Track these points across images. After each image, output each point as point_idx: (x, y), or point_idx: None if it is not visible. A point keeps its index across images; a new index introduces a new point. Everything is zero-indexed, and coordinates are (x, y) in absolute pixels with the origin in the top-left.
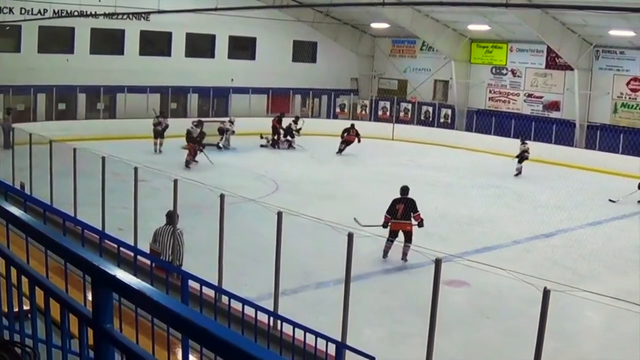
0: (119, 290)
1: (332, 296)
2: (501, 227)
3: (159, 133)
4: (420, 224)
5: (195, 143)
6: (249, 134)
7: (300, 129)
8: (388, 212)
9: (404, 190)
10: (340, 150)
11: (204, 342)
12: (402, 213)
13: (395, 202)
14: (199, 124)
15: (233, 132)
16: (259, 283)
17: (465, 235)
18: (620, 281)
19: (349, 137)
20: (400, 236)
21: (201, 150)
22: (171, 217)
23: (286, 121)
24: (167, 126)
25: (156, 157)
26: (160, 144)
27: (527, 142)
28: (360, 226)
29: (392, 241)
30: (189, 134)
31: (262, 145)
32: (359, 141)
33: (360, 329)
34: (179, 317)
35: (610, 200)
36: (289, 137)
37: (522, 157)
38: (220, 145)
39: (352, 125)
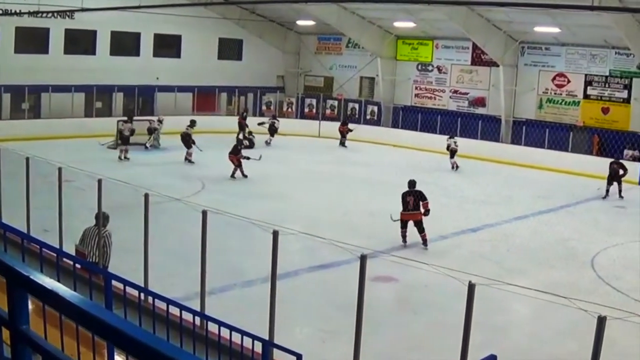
0: (34, 292)
1: (260, 294)
2: (428, 223)
3: (126, 139)
4: (427, 213)
5: (237, 154)
6: (178, 132)
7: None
8: (402, 205)
9: (412, 183)
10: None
11: (118, 342)
12: (413, 205)
13: (405, 195)
14: (192, 124)
15: (156, 129)
16: (186, 282)
17: (393, 231)
18: (547, 274)
19: (340, 126)
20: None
21: (247, 158)
22: (99, 219)
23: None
24: (133, 131)
25: (84, 156)
26: (126, 151)
27: (455, 137)
28: (392, 220)
29: (406, 229)
30: (186, 136)
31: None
32: (345, 133)
33: (288, 327)
34: (93, 317)
35: (598, 189)
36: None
37: (452, 151)
38: (148, 145)
39: (346, 121)
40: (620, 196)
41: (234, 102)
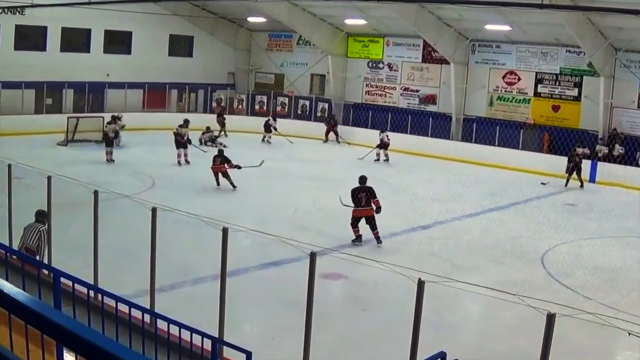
0: None
1: (210, 292)
2: (379, 220)
3: (111, 141)
4: (378, 210)
5: (223, 164)
6: (131, 129)
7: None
8: (353, 201)
9: (362, 179)
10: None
11: (65, 340)
12: (366, 201)
13: (357, 191)
14: (185, 123)
15: (123, 126)
16: (136, 280)
17: (343, 228)
18: (498, 271)
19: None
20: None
21: (238, 167)
22: (39, 215)
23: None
24: (118, 132)
25: (34, 153)
26: (111, 153)
27: (387, 132)
28: (342, 204)
29: (358, 228)
30: (177, 136)
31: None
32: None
33: (239, 324)
34: (40, 316)
35: (542, 184)
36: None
37: (384, 144)
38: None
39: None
40: (582, 186)
41: (184, 99)
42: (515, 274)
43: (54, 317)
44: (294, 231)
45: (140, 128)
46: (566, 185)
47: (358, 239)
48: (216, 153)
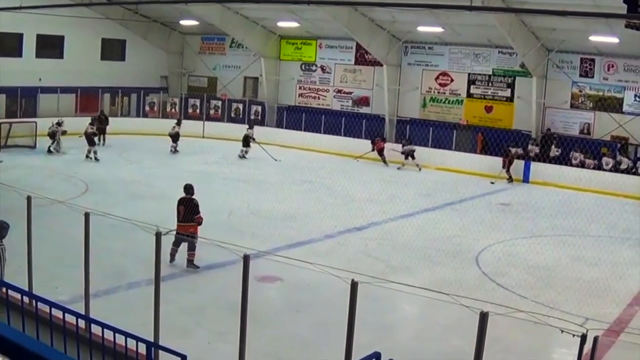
0: None
1: (145, 296)
2: (314, 222)
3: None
4: (199, 223)
5: None
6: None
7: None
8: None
9: (187, 188)
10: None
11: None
12: (184, 215)
13: (178, 203)
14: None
15: (65, 132)
16: (71, 285)
17: (278, 230)
18: (433, 271)
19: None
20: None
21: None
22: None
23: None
24: (96, 133)
25: None
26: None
27: (252, 129)
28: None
29: (177, 246)
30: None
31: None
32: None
33: (174, 328)
34: None
35: (491, 182)
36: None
37: (247, 141)
38: (52, 149)
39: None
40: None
41: (117, 103)
42: (450, 274)
43: None
44: (229, 234)
45: (73, 133)
46: (510, 181)
47: (171, 257)
48: None
